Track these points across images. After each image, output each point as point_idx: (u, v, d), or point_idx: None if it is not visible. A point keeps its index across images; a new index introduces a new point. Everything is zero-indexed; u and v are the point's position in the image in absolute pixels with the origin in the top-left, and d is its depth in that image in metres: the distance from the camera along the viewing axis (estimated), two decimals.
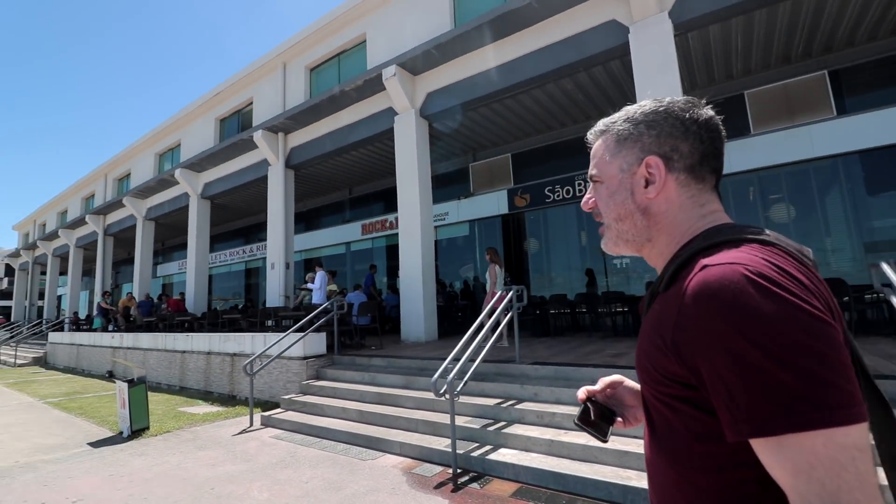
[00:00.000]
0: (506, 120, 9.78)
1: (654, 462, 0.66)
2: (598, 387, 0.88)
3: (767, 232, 0.61)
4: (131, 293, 15.49)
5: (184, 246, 21.92)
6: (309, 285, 9.87)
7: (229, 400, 7.46)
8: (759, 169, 8.09)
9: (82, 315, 20.33)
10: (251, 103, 13.27)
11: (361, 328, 7.80)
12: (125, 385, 5.38)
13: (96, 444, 5.06)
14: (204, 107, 14.55)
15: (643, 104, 0.72)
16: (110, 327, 14.08)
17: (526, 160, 10.61)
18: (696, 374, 0.54)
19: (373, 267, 11.41)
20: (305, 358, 6.50)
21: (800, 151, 7.74)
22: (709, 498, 0.57)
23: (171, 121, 15.80)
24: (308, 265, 16.32)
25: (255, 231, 17.99)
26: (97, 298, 19.74)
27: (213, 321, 10.12)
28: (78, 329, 16.06)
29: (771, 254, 0.55)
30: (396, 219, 12.71)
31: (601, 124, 0.77)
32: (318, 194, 14.64)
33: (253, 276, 18.75)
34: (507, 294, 5.35)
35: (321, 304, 8.81)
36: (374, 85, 9.42)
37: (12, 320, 28.03)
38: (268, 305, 11.21)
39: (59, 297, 26.99)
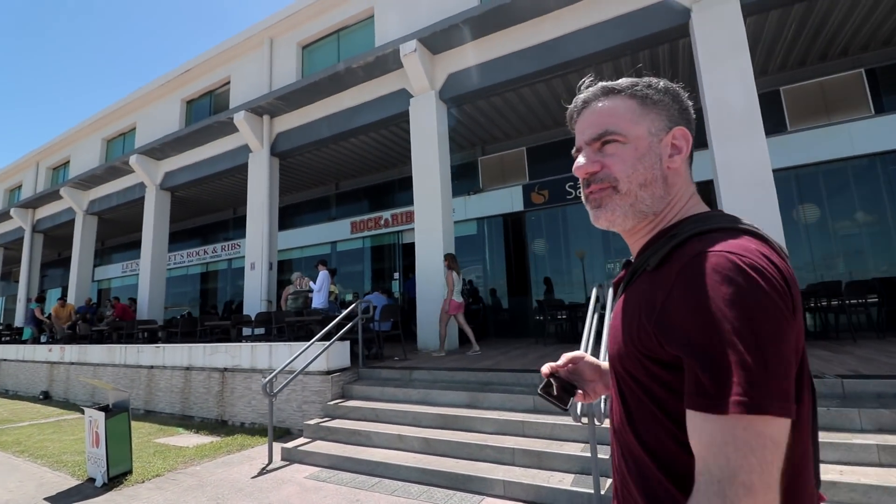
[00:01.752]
0: (527, 108, 9.04)
1: (623, 431, 0.67)
2: (560, 362, 0.92)
3: (755, 224, 0.63)
4: (63, 298, 13.16)
5: (127, 246, 19.56)
6: (295, 286, 8.54)
7: (219, 426, 6.04)
8: (797, 167, 7.83)
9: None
10: (228, 83, 11.74)
11: (382, 336, 6.64)
12: (100, 415, 3.97)
13: (59, 500, 3.63)
14: (168, 86, 12.76)
15: (654, 79, 0.73)
16: (42, 338, 11.80)
17: (543, 154, 9.90)
18: (674, 350, 0.56)
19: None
20: (329, 372, 5.29)
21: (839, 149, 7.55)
22: (671, 461, 0.59)
23: (126, 101, 13.79)
24: (280, 268, 14.76)
25: (218, 229, 16.15)
26: (21, 305, 16.96)
27: (188, 329, 8.50)
28: None
29: (762, 245, 0.59)
30: (393, 215, 11.68)
31: (607, 85, 0.74)
32: (300, 189, 13.21)
33: (211, 281, 16.81)
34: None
35: (323, 308, 7.63)
36: (386, 63, 8.39)
37: None
38: (245, 311, 9.72)
39: None
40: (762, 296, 0.52)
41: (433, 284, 7.46)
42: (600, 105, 0.72)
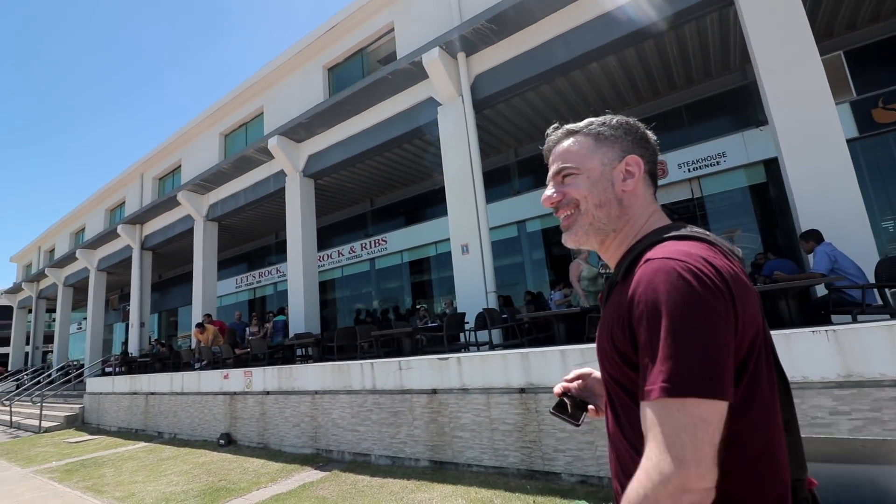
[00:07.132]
0: None
1: (615, 436, 0.74)
2: (570, 376, 0.96)
3: (705, 231, 0.71)
4: (203, 323, 11.17)
5: (238, 259, 17.86)
6: (584, 262, 5.98)
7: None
8: None
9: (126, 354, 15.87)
10: (391, 30, 9.45)
11: None
12: None
13: None
14: (305, 53, 10.69)
15: (609, 117, 0.84)
16: (196, 366, 9.72)
17: (881, 55, 6.94)
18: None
19: None
20: None
21: None
22: None
23: (251, 83, 11.84)
24: (414, 267, 12.39)
25: (360, 224, 14.01)
26: (134, 330, 15.35)
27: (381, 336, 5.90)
28: (129, 371, 11.63)
29: (705, 249, 0.66)
30: None
31: (568, 127, 0.86)
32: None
33: (342, 287, 14.69)
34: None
35: None
36: None
37: (10, 369, 23.19)
38: (461, 309, 7.23)
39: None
40: (690, 295, 0.60)
41: None
42: (562, 146, 0.85)
